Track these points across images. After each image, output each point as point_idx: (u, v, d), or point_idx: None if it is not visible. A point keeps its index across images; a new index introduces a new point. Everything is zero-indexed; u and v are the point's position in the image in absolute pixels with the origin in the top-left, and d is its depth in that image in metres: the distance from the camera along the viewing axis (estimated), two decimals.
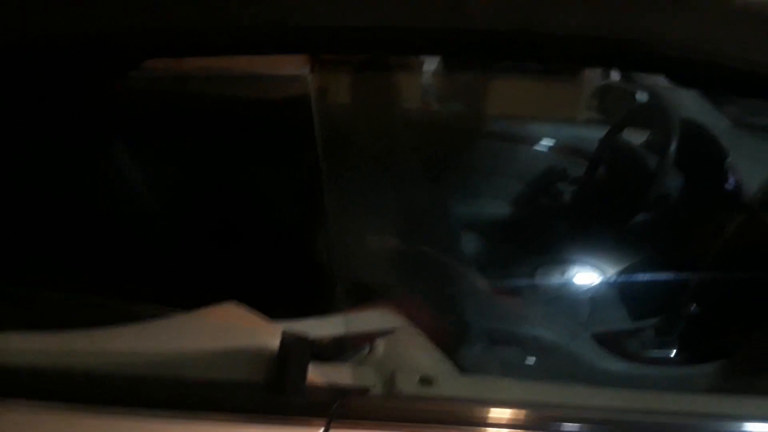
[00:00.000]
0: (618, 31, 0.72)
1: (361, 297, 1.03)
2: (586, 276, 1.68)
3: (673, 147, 1.61)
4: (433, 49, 1.03)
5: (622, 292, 1.64)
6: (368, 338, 0.92)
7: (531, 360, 1.29)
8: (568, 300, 1.61)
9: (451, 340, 1.06)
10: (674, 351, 1.48)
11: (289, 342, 0.75)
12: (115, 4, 0.74)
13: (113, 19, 0.74)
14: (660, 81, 1.79)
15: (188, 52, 0.85)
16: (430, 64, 1.91)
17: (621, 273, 1.64)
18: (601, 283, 1.66)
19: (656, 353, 1.48)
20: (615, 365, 1.38)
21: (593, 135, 1.94)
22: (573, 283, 1.67)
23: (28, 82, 0.88)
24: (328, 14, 0.74)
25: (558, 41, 0.73)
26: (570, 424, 0.77)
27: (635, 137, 1.85)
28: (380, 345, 0.91)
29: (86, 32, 0.75)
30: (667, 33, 0.71)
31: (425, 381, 0.82)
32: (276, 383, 0.74)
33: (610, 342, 1.44)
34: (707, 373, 1.28)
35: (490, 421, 0.76)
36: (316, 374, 0.77)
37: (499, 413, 0.77)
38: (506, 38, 0.74)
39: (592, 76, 2.21)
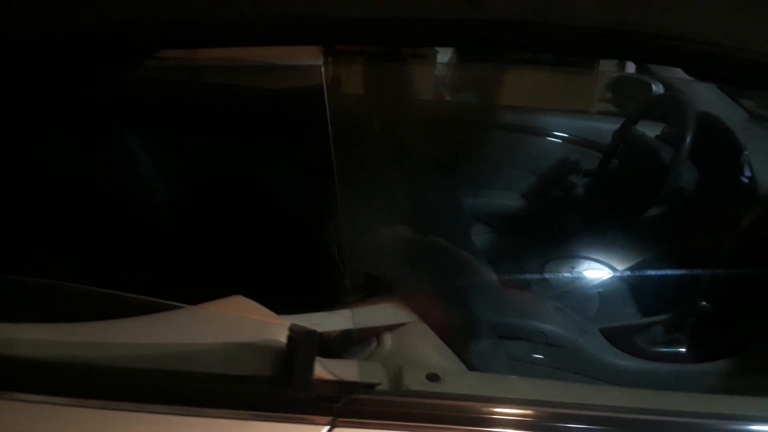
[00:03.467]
0: (635, 24, 0.71)
1: (371, 290, 1.03)
2: (595, 270, 1.67)
3: (688, 140, 1.59)
4: (448, 41, 1.02)
5: (631, 287, 1.63)
6: (376, 333, 0.92)
7: (539, 355, 1.29)
8: (577, 295, 1.60)
9: (460, 336, 1.06)
10: (684, 348, 1.47)
11: (297, 336, 0.74)
12: None
13: (130, 11, 0.74)
14: (676, 73, 1.76)
15: (201, 43, 0.85)
16: (444, 55, 1.89)
17: (631, 268, 1.63)
18: (611, 278, 1.65)
19: (666, 350, 1.47)
20: (623, 361, 1.37)
21: (608, 127, 1.92)
22: (583, 278, 1.67)
23: (42, 71, 0.88)
24: (343, 6, 0.73)
25: (574, 33, 0.72)
26: (577, 422, 0.76)
27: (650, 129, 1.83)
28: (388, 340, 0.91)
29: (101, 23, 0.75)
30: (684, 25, 0.70)
31: (432, 377, 0.81)
32: (283, 378, 0.74)
33: (619, 338, 1.43)
34: (717, 370, 1.27)
35: (497, 418, 0.76)
36: (323, 369, 0.76)
37: (507, 411, 0.76)
38: (522, 30, 0.74)
39: (608, 68, 2.19)
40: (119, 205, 1.15)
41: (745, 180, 1.60)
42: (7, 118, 0.95)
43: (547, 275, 1.64)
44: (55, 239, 1.05)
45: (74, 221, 1.08)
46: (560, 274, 1.65)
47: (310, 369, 0.74)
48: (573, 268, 1.67)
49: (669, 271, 1.52)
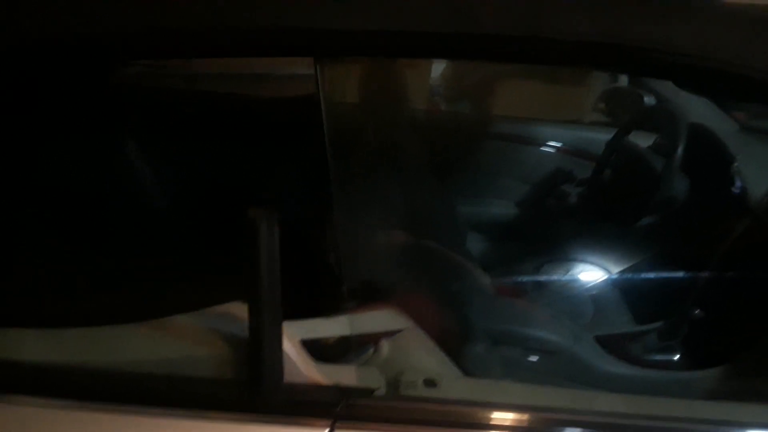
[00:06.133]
0: (625, 38, 0.72)
1: (368, 296, 1.03)
2: (590, 278, 1.68)
3: (680, 150, 1.61)
4: (442, 54, 1.03)
5: (626, 295, 1.64)
6: (373, 339, 0.93)
7: (534, 361, 1.29)
8: (571, 302, 1.61)
9: (456, 342, 1.07)
10: (678, 355, 1.47)
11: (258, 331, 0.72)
12: (130, 6, 0.75)
13: (128, 20, 0.75)
14: (668, 85, 1.78)
15: (199, 53, 0.85)
16: (438, 66, 1.90)
17: (625, 276, 1.64)
18: (605, 286, 1.66)
19: (660, 357, 1.48)
20: (618, 368, 1.38)
21: (601, 137, 1.94)
22: (577, 285, 1.67)
23: (40, 79, 0.88)
24: (337, 18, 0.74)
25: (566, 46, 0.73)
26: (572, 428, 0.77)
27: (643, 140, 1.84)
28: (385, 346, 0.91)
29: (100, 31, 0.75)
30: (673, 40, 0.71)
31: (429, 383, 0.82)
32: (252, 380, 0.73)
33: (613, 345, 1.44)
34: (711, 377, 1.28)
35: (493, 423, 0.77)
36: (321, 375, 0.77)
37: (503, 416, 0.77)
38: (515, 43, 0.74)
39: (600, 79, 2.20)
40: (112, 211, 1.15)
41: (736, 190, 1.62)
42: (5, 126, 0.95)
43: (541, 282, 1.64)
44: (50, 245, 1.05)
45: (69, 227, 1.08)
46: (555, 281, 1.65)
47: (279, 365, 0.73)
48: (568, 275, 1.68)
49: (663, 275, 1.52)
